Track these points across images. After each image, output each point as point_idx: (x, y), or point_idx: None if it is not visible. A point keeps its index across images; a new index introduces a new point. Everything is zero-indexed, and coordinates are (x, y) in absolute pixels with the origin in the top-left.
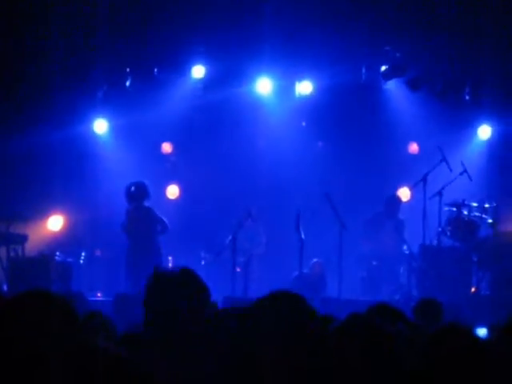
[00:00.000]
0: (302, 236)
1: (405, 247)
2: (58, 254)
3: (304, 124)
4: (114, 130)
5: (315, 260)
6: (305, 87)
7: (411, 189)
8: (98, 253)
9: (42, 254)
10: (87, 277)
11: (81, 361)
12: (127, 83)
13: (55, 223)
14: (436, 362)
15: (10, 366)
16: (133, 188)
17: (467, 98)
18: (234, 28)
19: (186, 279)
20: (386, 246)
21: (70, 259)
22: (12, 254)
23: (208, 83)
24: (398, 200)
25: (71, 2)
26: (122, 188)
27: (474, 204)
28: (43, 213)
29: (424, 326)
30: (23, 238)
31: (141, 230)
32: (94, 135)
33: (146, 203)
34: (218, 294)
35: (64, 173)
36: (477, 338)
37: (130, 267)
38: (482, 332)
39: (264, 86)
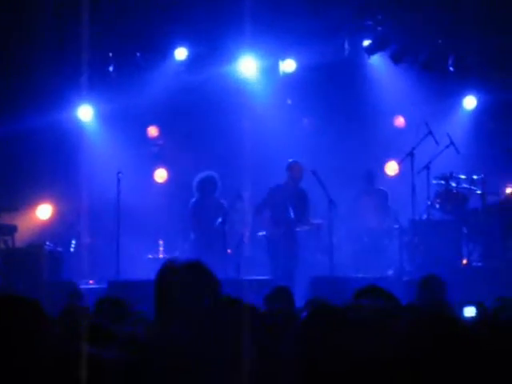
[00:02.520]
0: (291, 214)
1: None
2: (48, 243)
3: (289, 102)
4: (99, 115)
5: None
6: (288, 65)
7: (399, 163)
8: (87, 240)
9: (33, 244)
10: (78, 265)
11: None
12: (110, 68)
13: (44, 212)
14: (418, 351)
15: None
16: (204, 180)
17: (451, 69)
18: (215, 8)
19: (198, 274)
20: (370, 221)
21: (60, 248)
22: (2, 245)
23: (191, 65)
24: (372, 173)
25: None
26: (109, 174)
27: (462, 176)
28: (31, 202)
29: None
30: (13, 229)
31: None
32: (79, 121)
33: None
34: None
35: (51, 161)
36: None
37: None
38: (470, 310)
39: (247, 65)
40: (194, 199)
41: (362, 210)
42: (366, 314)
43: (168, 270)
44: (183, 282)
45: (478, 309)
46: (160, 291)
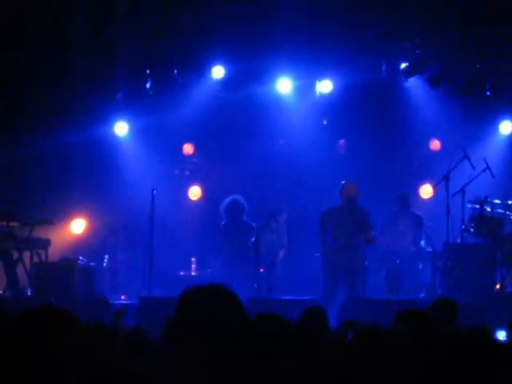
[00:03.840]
0: (327, 239)
1: (422, 242)
2: (81, 258)
3: (325, 122)
4: (135, 132)
5: None
6: (325, 86)
7: (434, 186)
8: (120, 255)
9: (66, 258)
10: (111, 280)
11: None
12: (147, 85)
13: (78, 227)
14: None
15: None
16: (230, 205)
17: (488, 93)
18: (253, 28)
19: (220, 298)
20: (402, 243)
21: (93, 263)
22: (35, 258)
23: (228, 84)
24: (407, 196)
25: (91, 4)
26: (144, 190)
27: (497, 201)
28: (66, 216)
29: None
30: (46, 243)
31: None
32: (115, 138)
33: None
34: (243, 295)
35: (86, 176)
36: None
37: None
38: (501, 335)
39: (284, 85)
40: (223, 222)
41: (397, 232)
42: (406, 338)
43: (192, 291)
44: (207, 303)
45: (509, 333)
46: (181, 312)
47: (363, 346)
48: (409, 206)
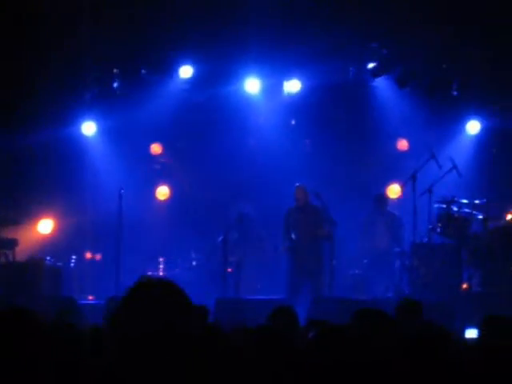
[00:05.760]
0: (293, 235)
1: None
2: (48, 258)
3: (293, 122)
4: (103, 131)
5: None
6: (293, 85)
7: (402, 186)
8: (88, 256)
9: (33, 258)
10: (78, 280)
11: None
12: (115, 85)
13: (45, 227)
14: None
15: None
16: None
17: (455, 93)
18: (221, 28)
19: (165, 292)
20: (377, 243)
21: (60, 263)
22: (2, 258)
23: (196, 83)
24: (383, 197)
25: (57, 4)
26: (111, 190)
27: (464, 200)
28: (33, 216)
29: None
30: (13, 243)
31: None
32: (82, 137)
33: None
34: (210, 295)
35: (53, 176)
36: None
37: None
38: (472, 333)
39: (252, 85)
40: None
41: (372, 233)
42: (363, 332)
43: (140, 285)
44: (154, 298)
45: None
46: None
47: (321, 344)
48: (385, 206)
